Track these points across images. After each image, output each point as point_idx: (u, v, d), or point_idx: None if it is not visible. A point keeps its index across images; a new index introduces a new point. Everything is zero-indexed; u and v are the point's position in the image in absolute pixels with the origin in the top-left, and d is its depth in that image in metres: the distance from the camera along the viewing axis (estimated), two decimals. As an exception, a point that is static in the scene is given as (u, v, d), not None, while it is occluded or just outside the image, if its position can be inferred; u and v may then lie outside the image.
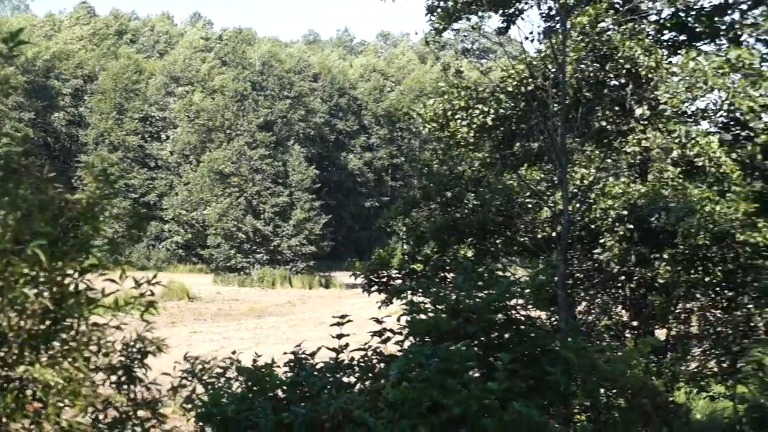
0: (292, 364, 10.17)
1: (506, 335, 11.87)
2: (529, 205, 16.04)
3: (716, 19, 18.04)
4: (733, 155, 15.92)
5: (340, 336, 10.03)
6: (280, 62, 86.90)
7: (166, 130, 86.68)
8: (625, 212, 15.37)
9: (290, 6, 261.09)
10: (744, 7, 18.26)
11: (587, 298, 16.60)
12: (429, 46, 18.68)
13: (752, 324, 18.00)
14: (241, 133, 77.83)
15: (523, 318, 12.49)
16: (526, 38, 17.50)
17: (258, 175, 76.39)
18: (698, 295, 17.47)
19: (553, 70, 15.60)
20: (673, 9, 17.88)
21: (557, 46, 15.20)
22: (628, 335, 16.05)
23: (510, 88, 16.29)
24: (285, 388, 9.76)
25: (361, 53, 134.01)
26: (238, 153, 76.50)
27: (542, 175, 16.55)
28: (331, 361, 10.06)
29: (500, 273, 12.63)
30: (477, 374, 11.03)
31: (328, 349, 10.04)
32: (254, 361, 10.04)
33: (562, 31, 15.26)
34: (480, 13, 17.24)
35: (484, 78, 17.68)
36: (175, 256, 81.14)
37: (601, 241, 15.64)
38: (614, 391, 13.23)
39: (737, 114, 17.90)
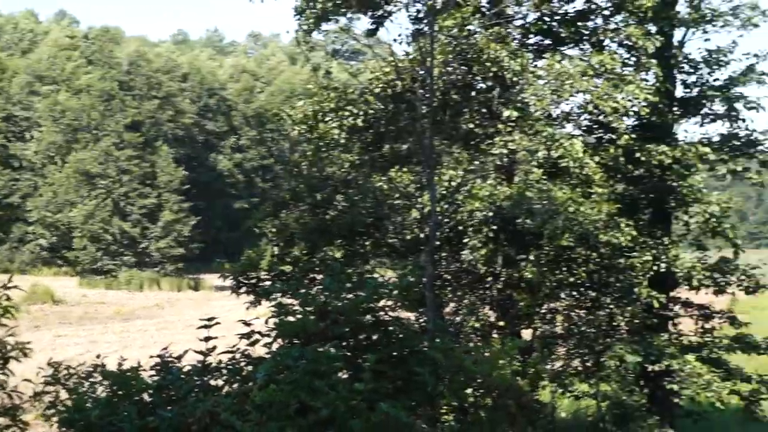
0: (158, 367, 10.04)
1: (374, 336, 11.96)
2: (398, 207, 16.18)
3: (580, 24, 18.53)
4: (596, 158, 16.41)
5: (207, 339, 9.95)
6: (148, 62, 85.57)
7: (30, 130, 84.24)
8: (491, 214, 15.68)
9: (158, 5, 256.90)
10: (606, 13, 18.90)
11: (455, 299, 16.85)
12: (300, 47, 18.66)
13: (614, 323, 18.64)
14: (108, 133, 76.34)
15: (391, 319, 12.63)
16: (395, 40, 17.62)
17: (125, 176, 75.06)
18: (563, 296, 17.95)
19: (422, 72, 15.79)
20: (538, 14, 18.32)
21: (425, 49, 15.39)
22: (495, 336, 16.37)
23: (378, 90, 16.41)
24: (151, 392, 9.62)
25: (231, 54, 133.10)
26: (105, 154, 75.07)
27: (411, 177, 16.71)
28: (199, 364, 9.98)
29: (369, 275, 12.76)
30: (345, 376, 11.09)
31: (196, 352, 9.94)
32: (119, 365, 9.90)
33: (430, 34, 15.43)
34: (349, 15, 17.32)
35: (354, 80, 17.77)
36: (39, 259, 79.09)
37: (467, 241, 15.92)
38: (481, 391, 13.50)
39: (600, 117, 18.54)
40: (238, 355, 10.22)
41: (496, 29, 16.63)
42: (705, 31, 20.21)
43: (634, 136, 17.63)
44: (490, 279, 16.94)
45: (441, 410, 13.05)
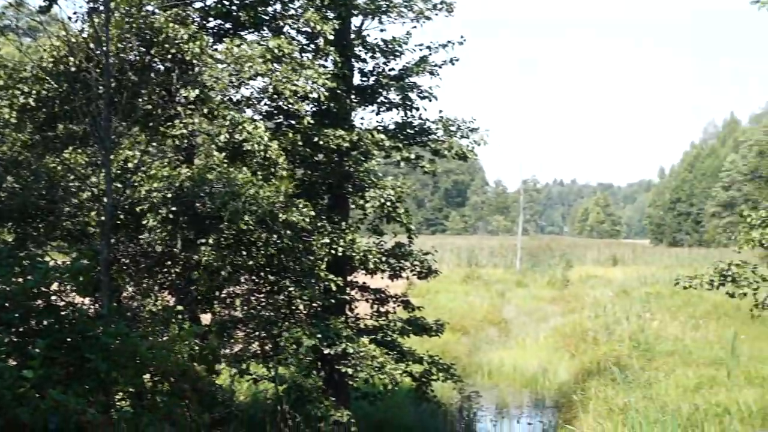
0: None
1: (45, 322, 11.76)
2: (73, 189, 15.84)
3: (260, 9, 19.04)
4: (276, 142, 16.87)
5: None
6: None
7: None
8: (170, 195, 15.74)
9: None
10: (285, -1, 19.50)
11: (133, 283, 16.73)
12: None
13: (293, 307, 19.28)
14: None
15: (63, 304, 12.44)
16: (70, 18, 17.19)
17: None
18: (243, 280, 18.32)
19: (97, 52, 15.54)
20: (217, -2, 18.60)
21: (100, 27, 15.17)
22: (174, 320, 16.42)
23: (51, 69, 15.95)
24: None
25: None
26: None
27: (86, 159, 16.41)
28: None
29: (40, 259, 12.46)
30: (14, 363, 10.84)
31: None
32: None
33: (105, 12, 15.24)
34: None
35: (26, 58, 17.13)
36: None
37: (145, 224, 15.89)
38: (157, 376, 13.59)
39: (281, 103, 19.08)
40: None
41: (175, 10, 16.65)
42: (381, 21, 21.24)
43: (312, 121, 18.24)
44: (168, 262, 16.97)
45: (116, 396, 13.02)
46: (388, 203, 19.98)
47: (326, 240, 18.89)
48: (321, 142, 19.08)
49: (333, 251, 18.97)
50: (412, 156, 21.07)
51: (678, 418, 20.53)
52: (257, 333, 18.12)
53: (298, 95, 17.05)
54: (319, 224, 18.79)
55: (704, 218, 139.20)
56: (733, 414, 20.74)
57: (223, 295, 18.09)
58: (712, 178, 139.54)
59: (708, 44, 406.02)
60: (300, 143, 18.52)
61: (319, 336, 18.15)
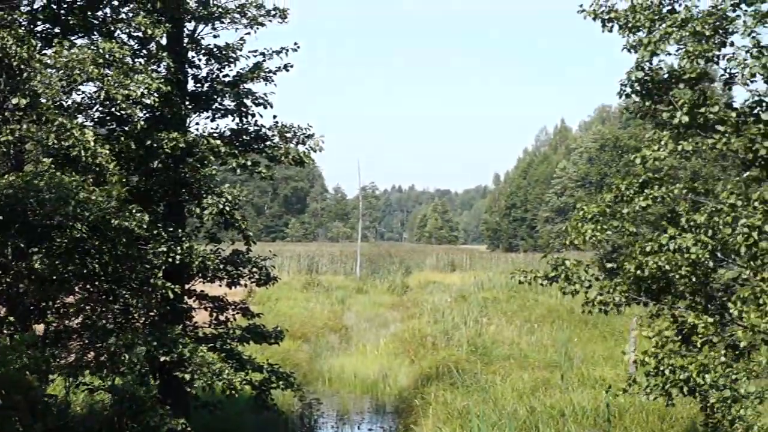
0: None
1: None
2: None
3: (89, 13, 18.88)
4: (108, 147, 16.74)
5: None
6: None
7: None
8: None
9: None
10: (116, 3, 19.36)
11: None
12: None
13: (130, 316, 19.15)
14: None
15: None
16: None
17: None
18: (77, 289, 18.07)
19: None
20: (45, 0, 18.33)
21: None
22: (4, 331, 16.11)
23: None
24: None
25: None
26: None
27: None
28: None
29: None
30: None
31: None
32: None
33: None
34: None
35: None
36: None
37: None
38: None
39: (113, 109, 18.95)
40: None
41: (1, 14, 16.36)
42: (214, 27, 21.34)
43: (146, 126, 18.20)
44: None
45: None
46: (226, 210, 20.09)
47: (163, 248, 18.86)
48: (155, 145, 19.01)
49: (170, 259, 18.95)
50: (249, 162, 21.21)
51: (515, 420, 21.37)
52: (93, 343, 17.90)
53: (131, 100, 17.00)
54: (155, 232, 18.73)
55: (538, 224, 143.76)
56: (568, 415, 21.75)
57: (57, 305, 17.80)
58: (545, 184, 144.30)
59: (537, 51, 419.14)
60: (133, 147, 18.43)
61: (155, 343, 18.07)
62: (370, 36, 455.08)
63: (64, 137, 16.01)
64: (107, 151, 16.43)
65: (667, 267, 13.23)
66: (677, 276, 13.38)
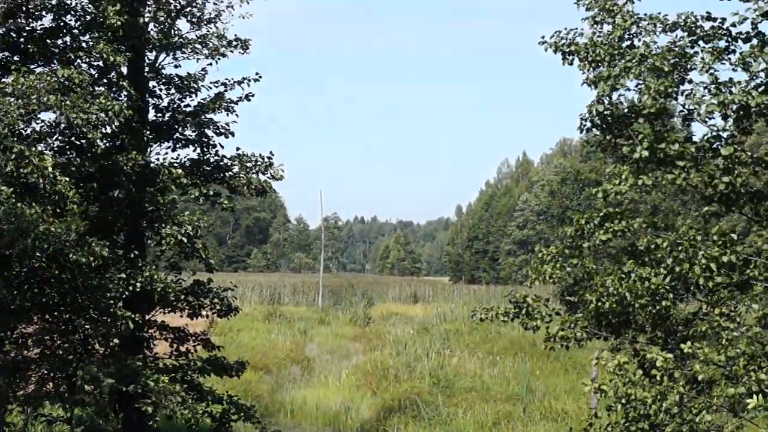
0: None
1: None
2: None
3: (50, 41, 18.81)
4: (68, 176, 16.62)
5: None
6: None
7: None
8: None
9: None
10: (76, 31, 19.32)
11: None
12: None
13: (89, 346, 18.94)
14: None
15: None
16: None
17: None
18: (36, 319, 17.86)
19: None
20: (4, 29, 18.25)
21: None
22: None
23: None
24: None
25: None
26: None
27: None
28: None
29: None
30: None
31: None
32: None
33: None
34: None
35: None
36: None
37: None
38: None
39: (73, 138, 18.84)
40: None
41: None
42: (176, 57, 21.33)
43: (106, 152, 18.12)
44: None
45: None
46: (184, 241, 19.95)
47: (123, 276, 18.67)
48: (114, 168, 18.84)
49: (131, 287, 18.76)
50: (211, 192, 21.16)
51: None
52: (52, 373, 17.69)
53: (91, 124, 16.91)
54: (114, 259, 18.56)
55: (500, 256, 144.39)
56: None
57: (15, 335, 17.58)
58: (507, 216, 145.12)
59: (497, 84, 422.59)
60: (92, 171, 18.31)
61: (117, 376, 17.86)
62: (333, 71, 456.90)
63: (23, 165, 15.87)
64: (66, 179, 16.32)
65: (628, 296, 13.30)
66: (637, 307, 13.44)
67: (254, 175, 21.98)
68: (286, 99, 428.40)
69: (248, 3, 21.93)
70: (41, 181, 15.91)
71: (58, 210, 16.40)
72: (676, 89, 13.41)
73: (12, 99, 16.27)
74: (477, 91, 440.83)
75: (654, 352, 13.06)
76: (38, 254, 15.47)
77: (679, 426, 12.21)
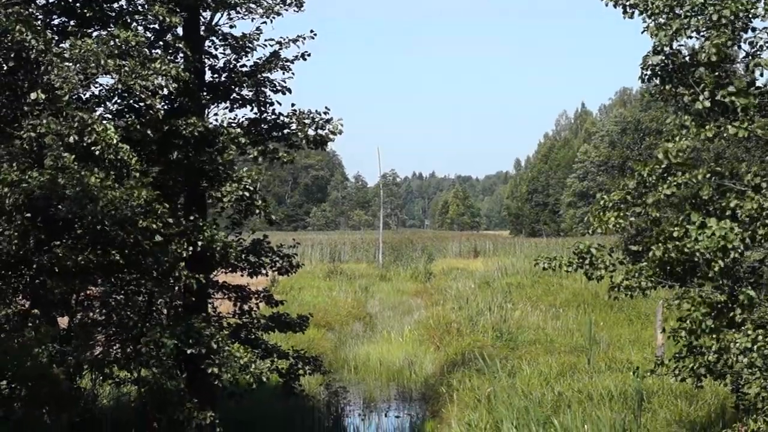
0: None
1: None
2: None
3: (105, 5, 18.92)
4: (128, 144, 16.76)
5: None
6: None
7: None
8: (21, 199, 15.50)
9: None
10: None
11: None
12: None
13: (153, 308, 19.18)
14: None
15: None
16: None
17: None
18: (101, 281, 18.12)
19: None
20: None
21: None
22: (29, 324, 16.19)
23: None
24: None
25: None
26: None
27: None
28: None
29: None
30: None
31: None
32: None
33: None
34: None
35: None
36: None
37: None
38: (14, 382, 13.44)
39: (131, 101, 18.98)
40: None
41: (17, 8, 16.39)
42: (231, 17, 21.29)
43: (165, 117, 18.22)
44: (22, 266, 16.68)
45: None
46: (246, 195, 20.01)
47: (184, 235, 18.84)
48: (173, 130, 18.96)
49: (192, 248, 18.91)
50: (270, 147, 21.26)
51: (541, 405, 21.27)
52: (118, 335, 17.96)
53: (149, 90, 17.03)
54: (175, 222, 18.72)
55: (561, 208, 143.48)
56: (595, 399, 21.62)
57: (81, 298, 17.86)
58: (567, 168, 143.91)
59: (555, 34, 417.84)
60: (152, 136, 18.42)
61: (182, 337, 18.09)
62: (390, 27, 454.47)
63: (86, 133, 16.05)
64: (128, 147, 16.47)
65: (696, 249, 13.13)
66: (704, 259, 13.28)
67: (312, 131, 21.99)
68: (342, 52, 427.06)
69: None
70: (105, 149, 16.07)
71: (119, 177, 16.56)
72: (738, 37, 13.16)
73: (71, 64, 16.42)
74: (536, 45, 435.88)
75: (726, 297, 13.00)
76: (106, 220, 15.66)
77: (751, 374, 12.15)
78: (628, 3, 14.23)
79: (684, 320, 13.37)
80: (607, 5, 14.42)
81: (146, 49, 17.88)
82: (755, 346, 12.35)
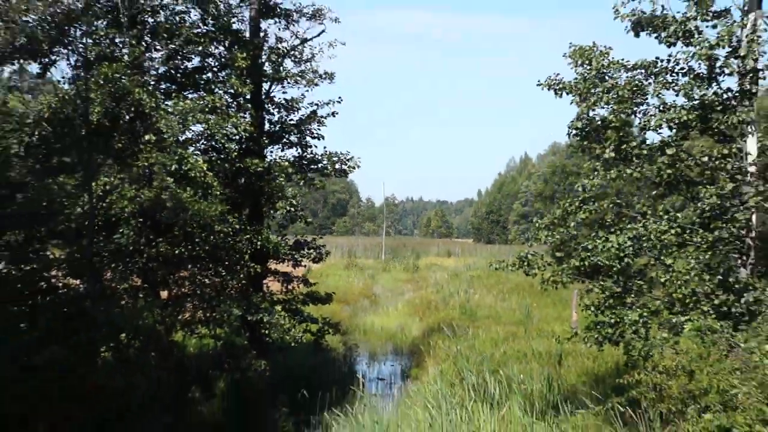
0: None
1: (48, 298, 11.67)
2: (66, 204, 15.50)
3: (197, 76, 19.09)
4: (212, 172, 16.94)
5: None
6: None
7: None
8: (137, 210, 15.67)
9: None
10: (216, 69, 19.62)
11: (112, 269, 16.47)
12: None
13: (226, 287, 19.27)
14: None
15: (61, 285, 12.32)
16: (59, 81, 16.93)
17: None
18: (189, 267, 18.24)
19: (81, 105, 15.36)
20: (166, 67, 18.56)
21: (82, 88, 15.05)
22: (141, 295, 16.27)
23: (48, 117, 15.64)
24: None
25: None
26: None
27: (73, 182, 16.14)
28: None
29: (43, 252, 12.29)
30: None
31: None
32: None
33: (85, 78, 15.13)
34: (20, 61, 16.30)
35: (27, 109, 16.71)
36: None
37: (121, 230, 15.78)
38: (130, 336, 13.54)
39: (213, 143, 19.15)
40: None
41: (137, 77, 16.57)
42: (283, 86, 21.52)
43: (237, 155, 18.37)
44: (136, 255, 16.80)
45: (100, 350, 12.93)
46: (292, 208, 20.32)
47: (248, 237, 19.02)
48: (242, 167, 19.22)
49: (253, 245, 19.07)
50: (309, 176, 21.49)
51: (492, 360, 21.29)
52: (201, 305, 18.05)
53: (227, 136, 17.22)
54: (241, 228, 18.87)
55: (509, 225, 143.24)
56: (529, 356, 21.65)
57: (175, 278, 17.96)
58: (513, 197, 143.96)
59: (507, 104, 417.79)
60: (227, 167, 18.64)
61: (245, 308, 18.22)
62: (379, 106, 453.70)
63: (183, 164, 16.21)
64: (211, 173, 16.63)
65: (602, 256, 13.21)
66: (607, 263, 13.35)
67: (338, 165, 22.15)
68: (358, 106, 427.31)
69: (334, 48, 22.10)
70: (197, 175, 16.21)
71: (204, 195, 16.71)
72: (635, 109, 13.28)
73: (173, 116, 16.59)
74: (496, 107, 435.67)
75: (618, 288, 13.06)
76: (194, 224, 15.77)
77: (636, 340, 12.25)
78: (558, 87, 14.31)
79: (591, 304, 13.44)
80: (543, 90, 14.47)
81: (225, 108, 18.06)
82: (640, 321, 12.45)
